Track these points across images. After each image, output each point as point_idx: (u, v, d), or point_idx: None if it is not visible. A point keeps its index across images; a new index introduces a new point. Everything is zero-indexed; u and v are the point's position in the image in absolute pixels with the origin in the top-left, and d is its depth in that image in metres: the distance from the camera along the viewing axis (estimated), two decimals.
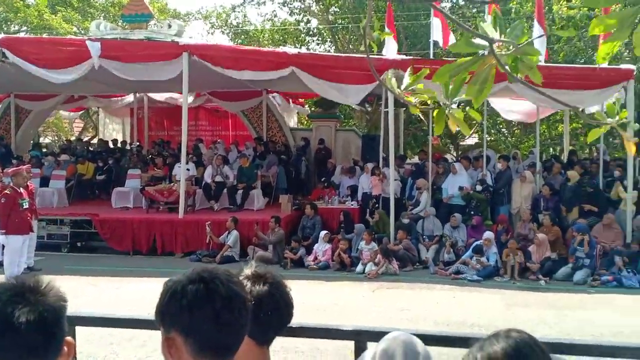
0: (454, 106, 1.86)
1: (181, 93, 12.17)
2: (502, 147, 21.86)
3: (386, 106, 11.70)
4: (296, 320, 1.74)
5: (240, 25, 26.88)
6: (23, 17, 23.24)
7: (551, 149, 22.41)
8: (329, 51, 23.67)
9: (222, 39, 26.77)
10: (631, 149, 1.87)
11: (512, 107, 14.96)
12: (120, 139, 19.11)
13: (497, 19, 1.63)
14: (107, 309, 7.13)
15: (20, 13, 23.21)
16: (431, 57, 13.51)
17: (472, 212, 11.12)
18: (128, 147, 17.52)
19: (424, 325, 6.71)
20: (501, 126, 22.58)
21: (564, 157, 15.20)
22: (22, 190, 9.12)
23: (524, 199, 11.30)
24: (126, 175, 13.76)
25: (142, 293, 7.68)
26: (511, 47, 1.58)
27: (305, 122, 22.20)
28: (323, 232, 10.69)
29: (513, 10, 16.96)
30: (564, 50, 17.30)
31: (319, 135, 15.96)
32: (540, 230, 10.16)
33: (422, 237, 10.89)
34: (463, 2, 21.19)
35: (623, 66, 10.95)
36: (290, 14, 25.26)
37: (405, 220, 10.91)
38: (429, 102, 1.99)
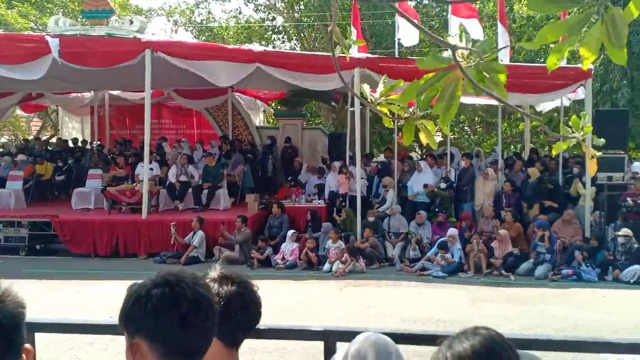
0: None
1: (143, 90, 11.93)
2: (465, 145, 22.27)
3: (352, 105, 11.75)
4: (264, 321, 1.72)
5: (204, 22, 26.54)
6: None
7: (512, 147, 22.93)
8: (294, 49, 23.61)
9: (185, 36, 26.35)
10: (593, 167, 1.91)
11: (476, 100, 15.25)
12: (80, 137, 18.61)
13: (464, 34, 1.63)
14: (67, 313, 6.94)
15: None
16: (396, 55, 13.61)
17: (437, 209, 11.29)
18: (88, 146, 17.07)
19: (391, 322, 6.76)
20: (464, 124, 22.99)
21: (525, 154, 15.59)
22: None
23: (487, 196, 11.52)
24: (87, 176, 13.40)
25: (104, 296, 7.50)
26: (477, 59, 1.58)
27: (272, 121, 22.10)
28: (290, 232, 10.65)
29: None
30: (525, 49, 17.71)
31: (285, 133, 15.91)
32: (502, 227, 10.38)
33: (389, 234, 10.98)
34: (427, 1, 21.44)
35: (581, 65, 11.24)
36: (255, 11, 25.11)
37: (371, 218, 10.99)
38: (400, 113, 1.98)
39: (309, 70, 11.10)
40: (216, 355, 1.49)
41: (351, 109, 12.12)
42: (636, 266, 8.96)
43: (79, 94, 17.37)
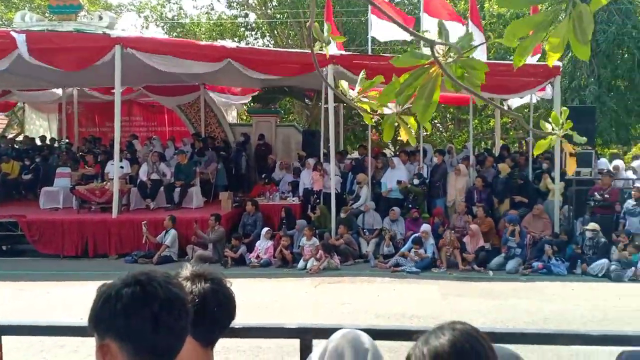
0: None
1: (113, 87, 11.72)
2: (438, 142, 22.51)
3: (326, 102, 11.75)
4: (239, 319, 1.70)
5: (176, 19, 26.20)
6: None
7: (483, 143, 23.29)
8: (268, 46, 23.50)
9: (156, 32, 25.96)
10: (572, 166, 1.92)
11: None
12: (48, 135, 18.15)
13: (442, 29, 1.63)
14: (36, 315, 6.78)
15: None
16: (369, 53, 13.66)
17: (410, 206, 11.38)
18: (56, 144, 16.67)
19: (366, 318, 6.79)
20: (436, 121, 23.22)
21: (496, 150, 15.84)
22: None
23: (459, 192, 11.67)
24: (55, 174, 13.08)
25: (74, 298, 7.34)
26: (455, 55, 1.58)
27: (245, 118, 21.96)
28: (265, 229, 10.60)
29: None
30: (495, 47, 17.98)
31: (259, 130, 15.81)
32: (474, 222, 10.52)
33: (363, 231, 11.03)
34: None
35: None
36: (228, 7, 24.89)
37: (343, 215, 11.01)
38: (379, 110, 1.97)
39: (282, 69, 11.05)
40: (192, 355, 1.47)
41: (325, 106, 12.11)
42: (604, 260, 9.19)
43: (48, 91, 16.95)
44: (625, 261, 9.06)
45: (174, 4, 26.28)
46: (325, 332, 1.67)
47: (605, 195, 10.20)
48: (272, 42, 23.94)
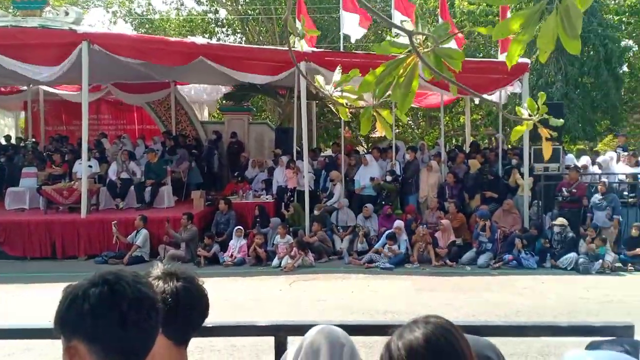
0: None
1: (80, 85, 11.46)
2: (410, 139, 22.73)
3: (299, 99, 11.71)
4: (214, 318, 1.68)
5: (145, 14, 25.78)
6: None
7: (454, 140, 23.58)
8: (240, 43, 23.32)
9: (125, 28, 25.51)
10: (548, 150, 1.95)
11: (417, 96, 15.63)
12: (13, 134, 17.67)
13: (419, 19, 1.63)
14: (3, 318, 6.60)
15: None
16: (341, 50, 13.67)
17: (383, 202, 11.45)
18: (22, 143, 16.23)
19: (341, 314, 6.81)
20: (408, 118, 23.40)
21: (466, 147, 16.05)
22: None
23: (431, 188, 11.79)
24: (20, 174, 12.74)
25: (41, 300, 7.15)
26: (433, 44, 1.59)
27: (217, 115, 21.76)
28: (236, 228, 10.51)
29: (417, 5, 17.59)
30: (465, 44, 18.21)
31: (231, 128, 15.69)
32: (446, 217, 10.65)
33: (337, 228, 11.05)
34: None
35: (519, 60, 11.66)
36: (197, 3, 24.60)
37: (317, 212, 11.01)
38: (356, 104, 1.97)
39: (254, 66, 10.97)
40: (164, 354, 1.46)
41: (298, 103, 12.08)
42: (572, 254, 9.41)
43: (11, 90, 16.49)
44: (593, 254, 9.29)
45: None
46: (298, 329, 1.66)
47: (573, 190, 10.43)
48: (244, 39, 23.77)
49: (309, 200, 10.96)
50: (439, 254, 10.01)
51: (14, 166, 13.72)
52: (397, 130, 20.98)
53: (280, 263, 9.76)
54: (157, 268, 1.58)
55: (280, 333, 2.03)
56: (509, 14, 12.03)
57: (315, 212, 11.02)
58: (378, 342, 1.47)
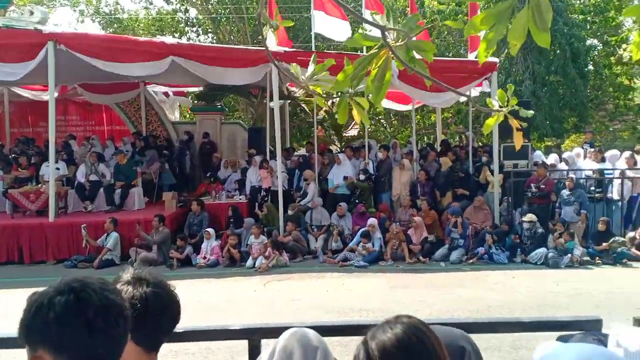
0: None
1: (47, 86, 11.19)
2: (382, 137, 22.87)
3: (271, 99, 11.66)
4: (187, 322, 1.65)
5: (113, 13, 25.32)
6: None
7: (426, 138, 23.83)
8: (211, 42, 23.11)
9: (92, 28, 25.02)
10: (519, 140, 1.98)
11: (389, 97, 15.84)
12: None
13: (390, 13, 1.65)
14: None
15: None
16: (313, 49, 13.67)
17: (357, 201, 11.50)
18: None
19: (315, 314, 6.80)
20: (380, 117, 23.57)
21: (438, 145, 16.24)
22: None
23: (404, 186, 11.89)
24: None
25: (7, 307, 6.96)
26: (405, 38, 1.60)
27: (188, 116, 21.52)
28: (205, 230, 10.37)
29: (386, 5, 17.67)
30: (435, 43, 18.40)
31: (203, 128, 15.53)
32: (418, 215, 10.75)
33: (311, 227, 11.05)
34: None
35: (487, 59, 11.85)
36: (167, 2, 24.28)
37: (291, 212, 11.00)
38: (333, 92, 1.99)
39: (226, 64, 10.89)
40: None
41: (271, 103, 12.03)
42: (542, 249, 9.60)
43: None
44: (562, 248, 9.50)
45: None
46: (272, 332, 1.66)
47: (541, 186, 10.65)
48: (215, 38, 23.56)
49: (283, 200, 10.93)
50: (413, 250, 10.10)
51: None
52: (370, 129, 21.11)
53: (255, 263, 9.71)
54: (127, 273, 1.56)
55: (254, 336, 2.01)
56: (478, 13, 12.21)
57: (290, 212, 11.00)
58: (354, 340, 1.48)
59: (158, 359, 1.56)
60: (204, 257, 10.03)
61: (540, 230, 9.87)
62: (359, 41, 1.68)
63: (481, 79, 11.51)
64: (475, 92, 12.68)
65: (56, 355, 1.14)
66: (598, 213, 10.71)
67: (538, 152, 13.16)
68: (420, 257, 10.00)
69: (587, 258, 9.66)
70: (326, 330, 2.16)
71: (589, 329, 1.96)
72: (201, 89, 16.08)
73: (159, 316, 1.50)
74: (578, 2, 21.01)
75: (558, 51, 18.28)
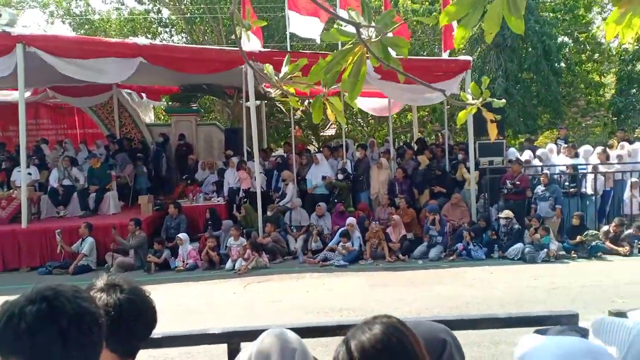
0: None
1: (16, 89, 10.93)
2: (360, 137, 22.96)
3: (247, 99, 11.59)
4: (167, 326, 1.62)
5: (84, 15, 24.90)
6: None
7: (403, 136, 24.00)
8: (185, 43, 22.89)
9: (63, 29, 24.57)
10: (494, 132, 2.00)
11: (367, 104, 16.00)
12: None
13: (366, 8, 1.64)
14: None
15: None
16: (288, 49, 13.63)
17: (336, 200, 11.51)
18: None
19: (296, 314, 6.78)
20: (357, 116, 23.67)
21: (414, 143, 16.36)
22: None
23: (382, 185, 11.95)
24: None
25: None
26: (379, 35, 1.60)
27: (163, 118, 21.28)
28: (177, 235, 10.20)
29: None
30: (410, 42, 18.48)
31: (178, 130, 15.36)
32: (397, 213, 10.81)
33: (290, 228, 11.02)
34: None
35: (461, 58, 12.00)
36: (139, 3, 23.97)
37: (270, 213, 10.95)
38: (306, 92, 1.98)
39: (199, 67, 10.79)
40: None
41: (247, 104, 11.95)
42: (518, 244, 9.73)
43: None
44: (538, 244, 9.64)
45: (80, 0, 24.99)
46: (251, 335, 1.64)
47: (516, 182, 10.80)
48: (189, 38, 23.34)
49: (262, 201, 10.87)
50: (392, 248, 10.14)
51: None
52: (347, 129, 21.18)
53: (234, 266, 9.64)
54: (101, 280, 1.54)
55: (234, 340, 1.99)
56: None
57: (268, 213, 10.95)
58: (334, 340, 1.47)
59: None
60: (182, 261, 9.92)
61: (516, 226, 10.01)
62: (334, 36, 1.68)
63: (457, 78, 11.61)
64: (450, 92, 12.78)
65: None
66: (572, 208, 10.91)
67: (512, 149, 13.34)
68: (400, 255, 10.06)
69: (563, 252, 9.81)
70: (306, 332, 2.14)
71: (566, 324, 1.98)
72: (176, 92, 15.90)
73: (133, 322, 1.49)
74: (549, 0, 21.39)
75: (530, 49, 18.58)
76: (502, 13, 1.47)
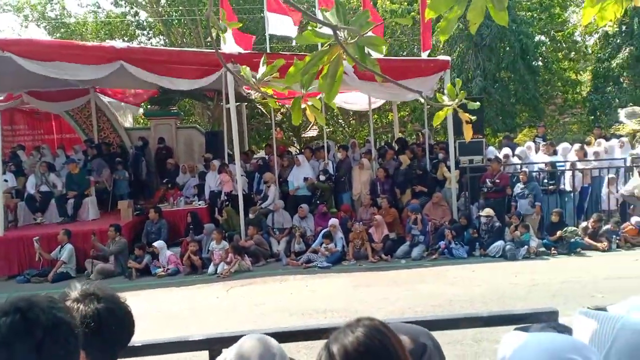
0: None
1: None
2: (341, 137, 23.00)
3: (227, 101, 11.53)
4: (149, 332, 1.60)
5: (59, 18, 24.54)
6: None
7: (384, 136, 24.09)
8: (163, 45, 22.69)
9: (38, 33, 24.15)
10: (469, 133, 2.01)
11: (348, 99, 15.95)
12: None
13: (340, 8, 1.63)
14: None
15: None
16: (268, 51, 13.59)
17: (318, 201, 11.51)
18: None
19: (280, 317, 6.75)
20: (338, 117, 23.71)
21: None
22: None
23: (364, 185, 11.98)
24: None
25: None
26: (356, 36, 1.60)
27: (142, 121, 21.06)
28: (156, 243, 10.10)
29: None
30: (389, 43, 18.62)
31: (158, 134, 15.21)
32: (379, 213, 10.84)
33: (273, 230, 10.98)
34: None
35: (440, 57, 12.10)
36: (115, 5, 23.69)
37: (252, 215, 10.90)
38: (284, 93, 1.98)
39: (177, 69, 10.68)
40: None
41: (227, 106, 11.88)
42: (499, 242, 9.83)
43: None
44: (518, 241, 9.75)
45: (56, 3, 24.61)
46: (233, 340, 1.62)
47: (496, 181, 10.91)
48: (167, 41, 23.15)
49: (244, 204, 10.81)
50: (375, 248, 10.17)
51: None
52: (329, 130, 21.18)
53: (217, 270, 9.57)
54: (75, 290, 1.51)
55: (215, 346, 1.97)
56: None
57: (250, 216, 10.89)
58: (319, 342, 1.46)
59: None
60: (162, 267, 9.81)
61: (497, 224, 10.11)
62: (310, 38, 1.67)
63: (436, 77, 11.69)
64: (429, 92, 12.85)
65: None
66: (552, 205, 11.05)
67: (491, 148, 13.47)
68: (382, 255, 10.08)
69: (543, 249, 9.94)
70: (289, 336, 2.13)
71: (546, 321, 2.00)
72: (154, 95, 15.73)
73: (112, 331, 1.47)
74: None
75: (508, 48, 18.81)
76: (485, 5, 1.49)
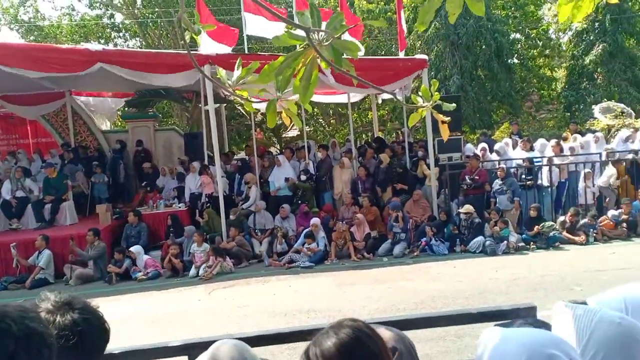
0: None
1: None
2: (321, 137, 23.00)
3: (206, 103, 11.45)
4: (131, 338, 1.57)
5: (32, 21, 24.10)
6: None
7: (364, 135, 24.17)
8: (139, 47, 22.44)
9: (11, 36, 23.70)
10: (445, 132, 2.02)
11: (326, 98, 15.97)
12: None
13: (314, 10, 1.63)
14: None
15: None
16: (246, 52, 13.53)
17: (299, 201, 11.48)
18: None
19: (263, 318, 6.73)
20: (318, 117, 23.72)
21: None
22: None
23: (345, 184, 12.00)
24: None
25: None
26: (330, 39, 1.60)
27: (120, 124, 20.79)
28: (132, 249, 9.98)
29: (317, 3, 17.79)
30: (367, 42, 18.68)
31: (136, 136, 15.02)
32: (361, 212, 10.87)
33: (255, 231, 10.93)
34: None
35: (417, 56, 12.17)
36: (90, 8, 23.35)
37: (233, 217, 10.84)
38: (260, 95, 1.97)
39: (155, 69, 10.59)
40: None
41: (206, 107, 11.79)
42: (479, 237, 9.93)
43: None
44: (498, 236, 9.86)
45: (29, 6, 24.16)
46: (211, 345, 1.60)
47: (475, 177, 11.01)
48: (143, 43, 22.89)
49: (225, 205, 10.74)
50: (357, 247, 10.19)
51: None
52: (309, 130, 21.18)
53: (198, 272, 9.49)
54: (47, 300, 1.46)
55: (194, 352, 1.94)
56: (402, 14, 12.49)
57: (232, 217, 10.83)
58: (303, 343, 1.45)
59: None
60: (141, 272, 9.69)
61: (477, 220, 10.20)
62: (286, 40, 1.67)
63: (414, 75, 11.76)
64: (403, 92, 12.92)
65: None
66: (530, 200, 11.19)
67: (469, 145, 13.61)
68: (365, 254, 10.11)
69: (522, 244, 10.05)
70: (271, 339, 2.12)
71: (524, 316, 2.02)
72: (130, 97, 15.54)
73: (92, 340, 1.44)
74: None
75: (484, 46, 19.01)
76: None
